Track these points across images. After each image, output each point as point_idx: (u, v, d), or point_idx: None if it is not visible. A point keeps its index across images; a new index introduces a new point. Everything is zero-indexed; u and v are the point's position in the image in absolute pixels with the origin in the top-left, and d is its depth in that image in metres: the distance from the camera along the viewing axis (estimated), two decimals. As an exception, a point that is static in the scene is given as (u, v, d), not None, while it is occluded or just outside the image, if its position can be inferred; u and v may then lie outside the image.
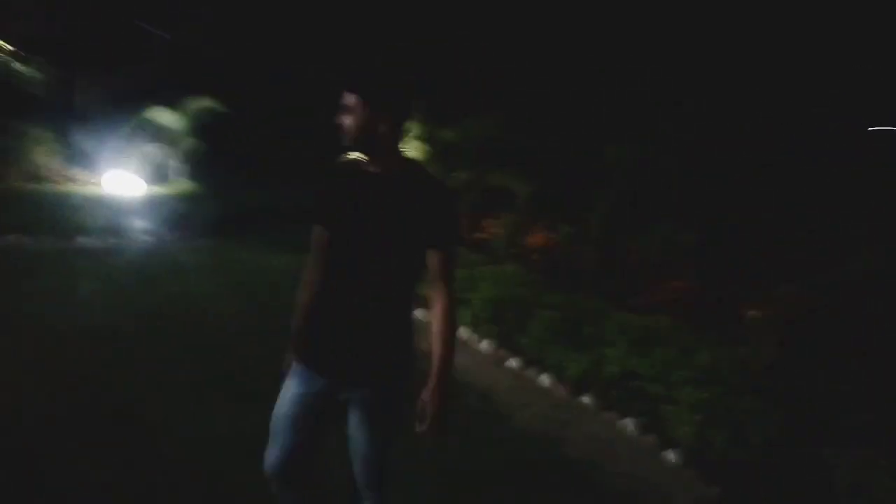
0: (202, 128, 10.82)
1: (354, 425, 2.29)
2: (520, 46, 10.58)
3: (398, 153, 2.20)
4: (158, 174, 10.61)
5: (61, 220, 9.01)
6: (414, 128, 8.42)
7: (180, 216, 10.06)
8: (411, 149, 8.22)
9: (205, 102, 10.68)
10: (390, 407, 2.26)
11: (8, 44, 15.92)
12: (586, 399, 4.86)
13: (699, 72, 9.28)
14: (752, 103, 8.86)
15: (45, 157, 9.51)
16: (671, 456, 4.15)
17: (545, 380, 5.15)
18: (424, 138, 7.97)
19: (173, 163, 10.84)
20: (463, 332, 5.95)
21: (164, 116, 10.52)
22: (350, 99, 2.12)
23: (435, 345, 2.15)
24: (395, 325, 2.25)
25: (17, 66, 15.44)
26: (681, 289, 5.38)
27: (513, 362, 5.44)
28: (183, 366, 4.72)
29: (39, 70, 16.16)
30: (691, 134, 6.67)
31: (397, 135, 2.18)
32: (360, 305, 2.18)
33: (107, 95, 16.03)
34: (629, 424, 4.50)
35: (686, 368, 4.26)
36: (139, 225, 9.60)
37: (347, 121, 2.13)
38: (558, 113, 8.53)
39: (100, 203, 9.25)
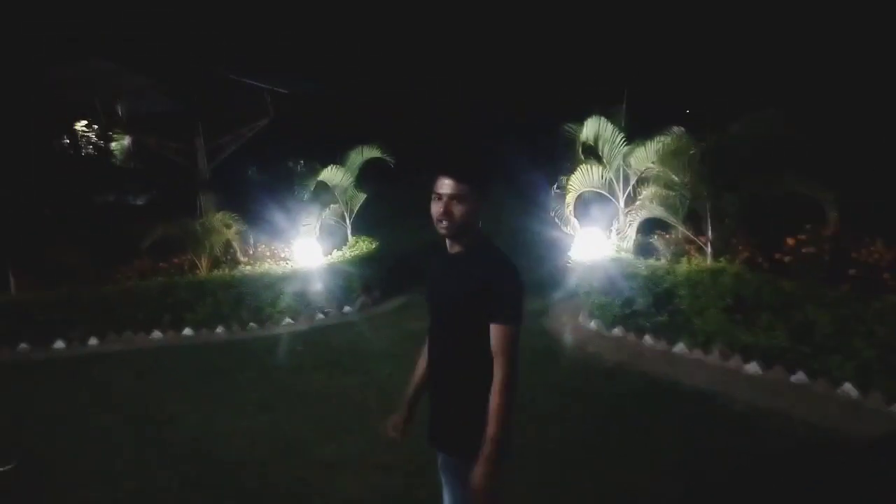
0: (365, 179, 10.07)
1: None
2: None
3: (477, 234, 2.29)
4: (336, 235, 9.86)
5: (260, 304, 8.33)
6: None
7: (365, 281, 9.20)
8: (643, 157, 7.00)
9: (371, 152, 9.85)
10: (458, 475, 2.28)
11: (123, 122, 15.94)
12: None
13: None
14: None
15: (230, 239, 8.85)
16: None
17: None
18: (670, 148, 6.68)
19: (346, 221, 10.06)
20: (849, 391, 4.67)
21: (333, 174, 9.74)
22: (461, 188, 2.18)
23: (489, 422, 2.16)
24: (463, 395, 2.29)
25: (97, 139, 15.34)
26: None
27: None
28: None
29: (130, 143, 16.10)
30: None
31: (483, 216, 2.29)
32: (436, 373, 2.40)
33: (239, 159, 15.69)
34: None
35: None
36: (331, 296, 8.78)
37: (458, 210, 2.19)
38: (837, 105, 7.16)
39: (292, 279, 8.48)
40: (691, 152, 6.09)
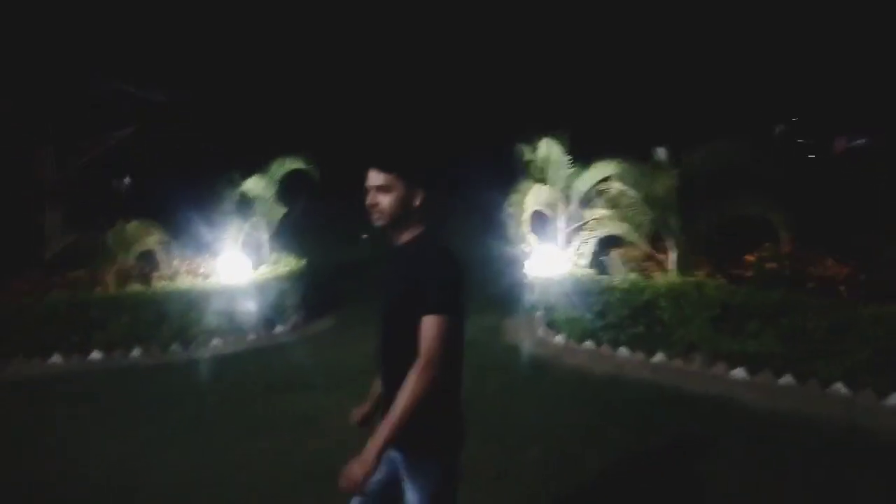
0: (288, 191, 9.48)
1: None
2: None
3: (421, 226, 2.28)
4: (258, 249, 9.09)
5: (185, 323, 7.40)
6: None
7: (294, 299, 8.54)
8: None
9: (294, 164, 9.26)
10: (416, 472, 2.21)
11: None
12: None
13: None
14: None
15: (152, 249, 7.81)
16: None
17: None
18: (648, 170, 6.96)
19: (265, 235, 9.33)
20: (839, 389, 5.13)
21: (255, 185, 9.02)
22: (385, 178, 2.21)
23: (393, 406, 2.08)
24: None
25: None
26: None
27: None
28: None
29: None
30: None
31: (427, 207, 2.26)
32: (385, 370, 2.30)
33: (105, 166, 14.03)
34: None
35: None
36: (259, 316, 8.01)
37: (385, 200, 2.21)
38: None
39: (220, 295, 7.66)
40: (673, 173, 6.44)
